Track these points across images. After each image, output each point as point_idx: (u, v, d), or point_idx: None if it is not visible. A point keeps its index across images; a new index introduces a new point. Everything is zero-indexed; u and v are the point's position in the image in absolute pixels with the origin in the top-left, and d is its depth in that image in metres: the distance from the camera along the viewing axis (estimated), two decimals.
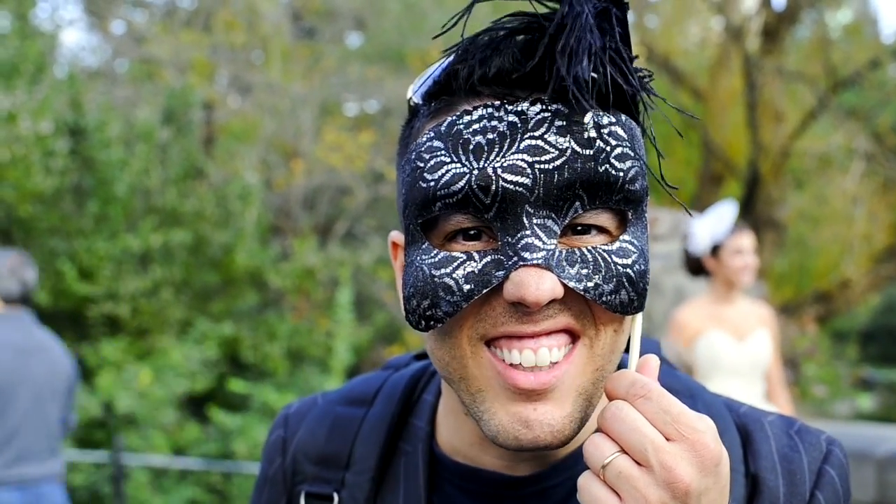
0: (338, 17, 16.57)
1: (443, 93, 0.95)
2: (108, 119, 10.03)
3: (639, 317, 0.97)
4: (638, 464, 0.83)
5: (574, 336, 0.94)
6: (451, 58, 0.94)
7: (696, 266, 4.56)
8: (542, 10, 0.90)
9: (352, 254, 12.32)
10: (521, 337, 0.91)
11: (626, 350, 0.99)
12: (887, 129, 14.78)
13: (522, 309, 0.89)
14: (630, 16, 0.93)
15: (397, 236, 1.06)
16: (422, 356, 1.29)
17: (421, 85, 0.98)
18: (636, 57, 0.91)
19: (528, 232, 0.87)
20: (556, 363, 0.92)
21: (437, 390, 1.17)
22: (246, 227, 10.56)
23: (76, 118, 9.76)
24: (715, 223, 4.45)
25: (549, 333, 0.91)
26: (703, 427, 0.85)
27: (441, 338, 0.96)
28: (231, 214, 10.60)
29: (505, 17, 0.91)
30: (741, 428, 1.10)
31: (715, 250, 4.41)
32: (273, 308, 11.62)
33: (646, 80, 0.92)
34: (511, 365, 0.92)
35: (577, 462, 1.02)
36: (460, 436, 1.09)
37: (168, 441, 8.64)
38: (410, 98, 1.01)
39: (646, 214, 0.96)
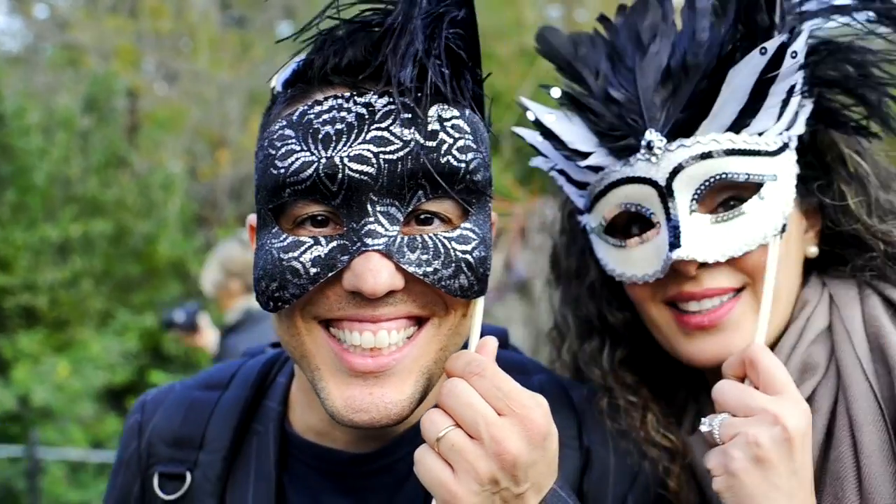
0: (268, 6, 16.38)
1: (299, 80, 1.00)
2: (28, 106, 9.83)
3: (480, 301, 1.01)
4: (471, 437, 0.88)
5: (419, 320, 0.98)
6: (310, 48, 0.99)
7: None
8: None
9: None
10: (360, 320, 0.95)
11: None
12: None
13: (360, 296, 0.93)
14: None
15: (254, 219, 1.09)
16: (277, 344, 1.32)
17: (282, 73, 1.03)
18: (470, 63, 0.97)
19: (371, 219, 0.90)
20: (398, 346, 0.96)
21: (291, 372, 1.21)
22: (169, 217, 10.45)
23: None
24: None
25: (389, 319, 0.95)
26: (533, 404, 0.90)
27: (280, 319, 1.00)
28: (154, 204, 10.47)
29: (365, 10, 0.97)
30: (577, 406, 1.17)
31: None
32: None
33: (468, 81, 0.97)
34: (350, 346, 0.96)
35: (418, 436, 1.05)
36: (312, 413, 1.13)
37: (86, 434, 8.51)
38: (273, 86, 1.05)
39: (490, 204, 1.00)
